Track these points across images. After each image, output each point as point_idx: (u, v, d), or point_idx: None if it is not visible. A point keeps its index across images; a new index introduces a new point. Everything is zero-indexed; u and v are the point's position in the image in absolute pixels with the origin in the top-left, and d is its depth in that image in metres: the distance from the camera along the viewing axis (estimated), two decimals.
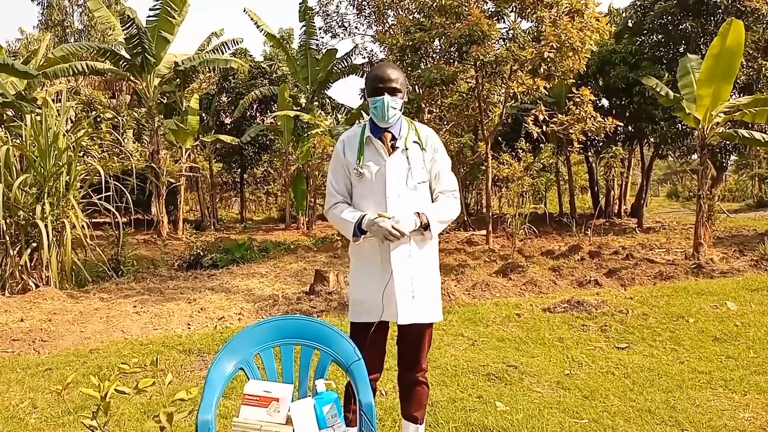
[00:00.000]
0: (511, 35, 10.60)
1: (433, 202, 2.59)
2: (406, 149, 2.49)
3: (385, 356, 2.63)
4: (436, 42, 11.21)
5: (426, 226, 2.45)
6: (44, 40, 17.42)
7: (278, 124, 19.60)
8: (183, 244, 12.76)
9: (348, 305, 2.65)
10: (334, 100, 21.31)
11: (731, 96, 10.35)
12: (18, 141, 8.35)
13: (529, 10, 10.58)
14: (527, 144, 13.48)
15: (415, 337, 2.54)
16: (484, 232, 12.80)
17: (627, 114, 15.53)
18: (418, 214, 2.43)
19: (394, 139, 2.50)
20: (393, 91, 2.42)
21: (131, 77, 15.53)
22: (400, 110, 2.48)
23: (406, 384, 2.61)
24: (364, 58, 17.39)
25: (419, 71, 10.85)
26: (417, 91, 13.06)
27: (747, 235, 12.65)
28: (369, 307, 2.46)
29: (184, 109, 17.23)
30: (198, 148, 19.75)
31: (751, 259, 8.59)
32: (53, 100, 9.11)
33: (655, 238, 12.68)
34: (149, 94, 15.50)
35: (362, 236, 2.45)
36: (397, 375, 2.66)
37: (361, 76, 18.29)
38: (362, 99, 14.46)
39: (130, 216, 10.54)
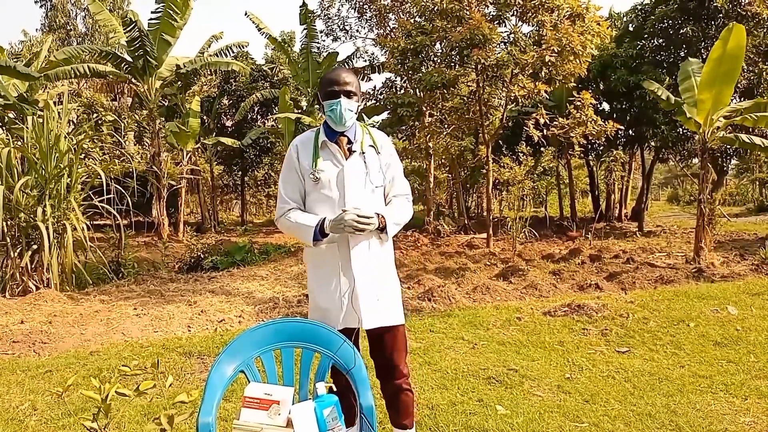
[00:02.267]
0: (512, 39, 10.63)
1: (386, 204, 2.59)
2: (363, 153, 2.49)
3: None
4: (438, 45, 11.24)
5: (383, 228, 2.44)
6: (46, 42, 17.45)
7: (279, 126, 19.60)
8: (183, 246, 12.75)
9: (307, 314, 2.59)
10: None
11: (732, 100, 10.36)
12: (19, 143, 8.37)
13: (530, 14, 10.61)
14: (528, 147, 13.46)
15: (389, 344, 2.50)
16: (484, 235, 12.80)
17: (628, 118, 15.54)
18: (378, 215, 2.42)
19: (350, 143, 2.49)
20: (348, 94, 2.41)
21: (133, 80, 15.55)
22: (355, 114, 2.47)
23: (390, 394, 2.56)
24: (366, 61, 17.43)
25: (420, 74, 10.87)
26: (418, 94, 13.08)
27: (748, 240, 12.65)
28: (331, 314, 2.41)
29: (185, 112, 17.24)
30: (199, 150, 19.76)
31: (752, 263, 8.58)
32: (55, 103, 9.12)
33: (655, 242, 12.68)
34: (150, 96, 15.52)
35: (323, 239, 2.41)
36: (380, 387, 2.60)
37: (362, 79, 18.32)
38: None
39: (131, 218, 10.55)
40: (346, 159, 2.46)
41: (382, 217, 2.43)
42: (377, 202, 2.51)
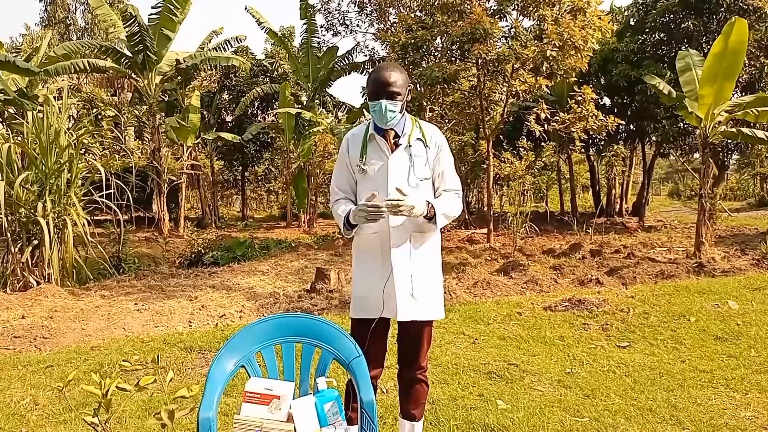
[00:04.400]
0: (513, 33, 10.57)
1: (436, 198, 2.59)
2: (410, 146, 2.50)
3: (386, 353, 2.63)
4: (438, 40, 11.19)
5: (431, 217, 2.45)
6: (46, 37, 17.42)
7: (279, 122, 19.59)
8: (184, 241, 12.76)
9: (349, 302, 2.65)
10: (335, 98, 21.30)
11: (733, 95, 10.33)
12: (19, 138, 8.35)
13: (531, 8, 10.56)
14: (529, 142, 13.43)
15: (414, 335, 2.55)
16: (485, 230, 12.80)
17: (629, 112, 15.51)
18: (428, 202, 2.44)
19: (397, 136, 2.52)
20: (392, 95, 2.40)
21: (133, 75, 15.53)
22: (401, 111, 2.48)
23: (405, 382, 2.62)
24: (366, 56, 17.35)
25: (421, 69, 10.83)
26: (419, 89, 13.04)
27: (749, 234, 12.64)
28: (370, 303, 2.47)
29: (185, 107, 17.22)
30: (199, 145, 19.75)
31: (752, 258, 8.58)
32: (55, 98, 9.11)
33: (656, 237, 12.67)
34: (150, 91, 15.50)
35: (353, 230, 2.48)
36: (396, 373, 2.67)
37: (362, 74, 18.25)
38: (363, 98, 14.43)
39: (131, 214, 10.54)
40: (392, 152, 2.49)
41: (432, 207, 2.45)
42: (423, 196, 2.51)
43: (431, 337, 2.64)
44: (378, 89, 2.41)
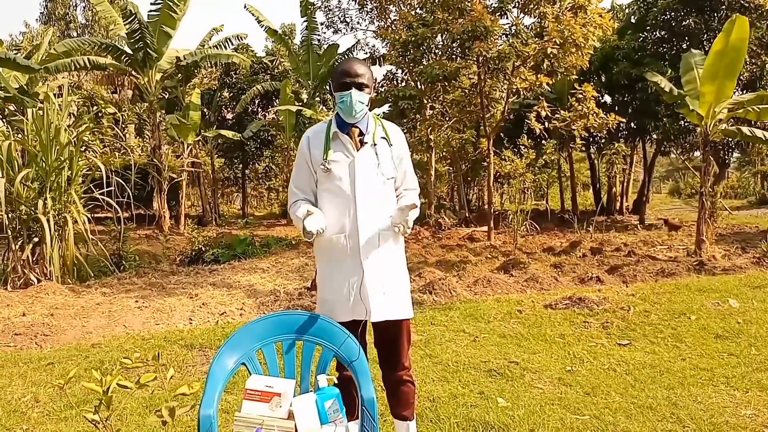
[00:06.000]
0: (513, 31, 10.56)
1: (398, 197, 2.58)
2: (375, 144, 2.47)
3: (366, 355, 2.60)
4: (439, 38, 11.18)
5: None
6: (47, 34, 17.40)
7: (280, 119, 19.58)
8: (185, 239, 12.76)
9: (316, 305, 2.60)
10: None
11: (734, 93, 10.32)
12: (20, 136, 8.35)
13: (532, 6, 10.56)
14: (529, 140, 13.46)
15: (392, 336, 2.50)
16: (485, 228, 12.79)
17: (629, 110, 15.50)
18: (407, 207, 2.41)
19: (361, 134, 2.47)
20: (360, 86, 2.39)
21: (133, 72, 15.50)
22: (367, 105, 2.45)
23: (391, 384, 2.57)
24: (366, 53, 17.35)
25: (421, 67, 10.83)
26: (419, 87, 13.03)
27: (749, 233, 12.64)
28: (338, 307, 2.41)
29: (185, 105, 17.19)
30: (200, 143, 19.72)
31: (753, 257, 8.58)
32: (55, 95, 9.10)
33: (656, 235, 12.66)
34: (151, 89, 15.48)
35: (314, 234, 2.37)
36: (381, 377, 2.61)
37: None
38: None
39: (132, 211, 10.54)
40: (357, 150, 2.44)
41: (406, 208, 2.41)
42: (388, 194, 2.50)
43: (410, 335, 2.59)
44: (346, 80, 2.39)
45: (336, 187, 2.42)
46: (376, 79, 14.92)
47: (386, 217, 2.44)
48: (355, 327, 2.39)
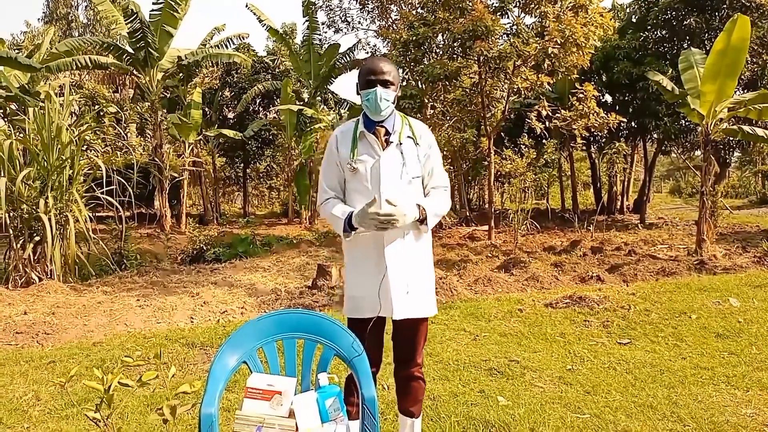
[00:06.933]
0: (514, 30, 10.56)
1: (425, 196, 2.58)
2: (401, 144, 2.48)
3: (382, 350, 2.62)
4: (440, 37, 11.17)
5: (423, 219, 2.45)
6: (48, 33, 17.41)
7: (281, 118, 19.57)
8: (186, 238, 12.77)
9: (343, 301, 2.64)
10: (336, 95, 21.27)
11: (735, 92, 10.31)
12: (21, 135, 8.37)
13: (533, 5, 10.55)
14: (530, 140, 13.44)
15: (409, 333, 2.53)
16: (486, 227, 12.79)
17: (630, 110, 15.48)
18: (418, 205, 2.43)
19: (387, 133, 2.48)
20: (385, 84, 2.40)
21: (134, 71, 15.51)
22: (393, 104, 2.46)
23: (401, 379, 2.60)
24: (367, 53, 17.32)
25: (422, 66, 10.82)
26: (420, 86, 13.02)
27: (750, 232, 12.63)
28: (365, 303, 2.45)
29: (187, 104, 17.20)
30: (201, 142, 19.74)
31: (754, 256, 8.58)
32: (56, 94, 9.12)
33: (657, 235, 12.66)
34: (152, 88, 15.49)
35: (353, 232, 2.42)
36: (393, 370, 2.65)
37: None
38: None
39: (133, 210, 10.55)
40: (383, 149, 2.46)
41: (423, 208, 2.44)
42: (414, 193, 2.50)
43: (426, 333, 2.62)
44: (372, 77, 2.40)
45: (362, 187, 2.45)
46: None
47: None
48: (380, 322, 2.46)
